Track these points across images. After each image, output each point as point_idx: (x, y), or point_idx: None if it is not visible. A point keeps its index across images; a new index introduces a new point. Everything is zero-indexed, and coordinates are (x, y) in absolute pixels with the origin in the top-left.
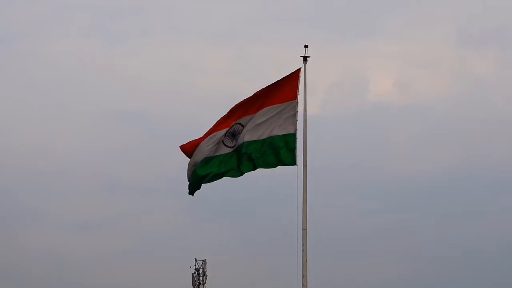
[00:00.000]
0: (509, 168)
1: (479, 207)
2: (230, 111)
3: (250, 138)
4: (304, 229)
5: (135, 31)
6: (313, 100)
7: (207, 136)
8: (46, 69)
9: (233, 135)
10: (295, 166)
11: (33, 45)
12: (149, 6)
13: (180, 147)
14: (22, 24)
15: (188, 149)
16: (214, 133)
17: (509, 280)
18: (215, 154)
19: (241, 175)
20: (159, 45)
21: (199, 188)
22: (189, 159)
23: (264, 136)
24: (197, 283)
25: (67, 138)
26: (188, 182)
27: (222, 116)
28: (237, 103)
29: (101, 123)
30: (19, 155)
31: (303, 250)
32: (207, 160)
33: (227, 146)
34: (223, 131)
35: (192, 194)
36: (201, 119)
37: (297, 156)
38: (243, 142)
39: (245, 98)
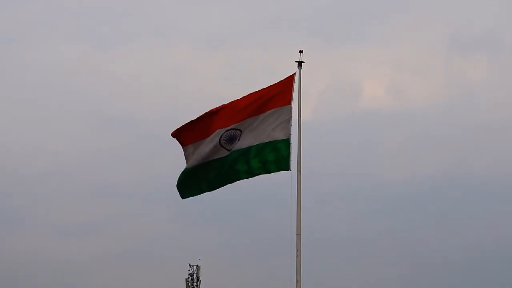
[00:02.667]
0: (499, 173)
1: (473, 211)
2: (225, 108)
3: (245, 144)
4: (298, 234)
5: (128, 35)
6: (305, 106)
7: (204, 137)
8: (37, 72)
9: (231, 139)
10: (289, 171)
11: (22, 48)
12: (141, 10)
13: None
14: (13, 28)
15: (183, 137)
16: (211, 136)
17: (507, 280)
18: (212, 158)
19: (236, 181)
20: (150, 48)
21: (194, 194)
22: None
23: (258, 142)
24: None
25: (60, 141)
26: (180, 184)
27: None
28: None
29: (93, 125)
30: (11, 157)
31: (297, 256)
32: (205, 168)
33: (226, 149)
34: (220, 131)
35: (184, 197)
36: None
37: (291, 161)
38: (238, 149)
39: (239, 98)
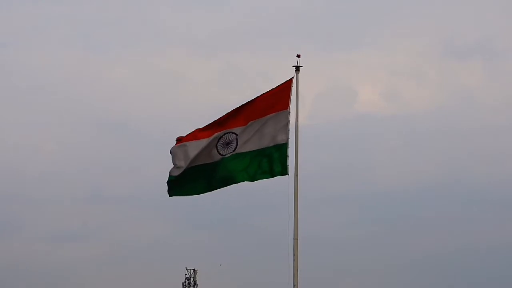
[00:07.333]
0: (494, 177)
1: (471, 216)
2: (223, 117)
3: (243, 150)
4: (296, 239)
5: (124, 40)
6: (301, 110)
7: (201, 138)
8: (33, 77)
9: (227, 144)
10: (286, 175)
11: (18, 52)
12: (137, 15)
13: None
14: (8, 32)
15: (189, 137)
16: (207, 138)
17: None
18: (207, 162)
19: (231, 184)
20: (147, 53)
21: (184, 194)
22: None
23: (257, 147)
24: None
25: (55, 146)
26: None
27: (214, 120)
28: (226, 112)
29: (88, 130)
30: (6, 161)
31: (294, 260)
32: (197, 170)
33: (220, 154)
34: (216, 135)
35: (171, 195)
36: (188, 128)
37: (289, 166)
38: (235, 154)
39: (238, 106)
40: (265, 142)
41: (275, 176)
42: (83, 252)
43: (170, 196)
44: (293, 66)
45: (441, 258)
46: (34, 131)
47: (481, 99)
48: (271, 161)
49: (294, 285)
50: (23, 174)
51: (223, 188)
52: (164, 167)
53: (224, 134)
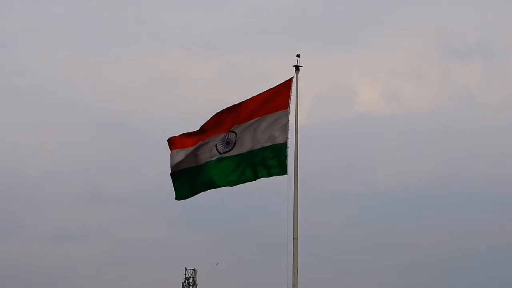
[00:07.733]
0: (494, 177)
1: (471, 216)
2: (222, 115)
3: (242, 149)
4: (295, 239)
5: (123, 40)
6: (300, 110)
7: (199, 141)
8: (33, 77)
9: (227, 143)
10: (285, 175)
11: (18, 53)
12: (136, 15)
13: (169, 140)
14: (8, 32)
15: (177, 144)
16: (207, 139)
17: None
18: (204, 162)
19: (232, 185)
20: (146, 54)
21: (189, 196)
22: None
23: (256, 147)
24: None
25: (55, 146)
26: (175, 186)
27: (212, 116)
28: (228, 107)
29: (88, 130)
30: (6, 162)
31: (293, 260)
32: (198, 170)
33: (219, 152)
34: (217, 137)
35: (179, 199)
36: (188, 129)
37: (288, 166)
38: (236, 154)
39: (237, 103)
40: (265, 141)
41: (275, 175)
42: (83, 252)
43: (177, 200)
44: (293, 66)
45: (441, 258)
46: (34, 131)
47: (481, 99)
48: (271, 161)
49: (294, 285)
50: (23, 174)
51: (223, 188)
52: (164, 167)
53: (225, 135)
